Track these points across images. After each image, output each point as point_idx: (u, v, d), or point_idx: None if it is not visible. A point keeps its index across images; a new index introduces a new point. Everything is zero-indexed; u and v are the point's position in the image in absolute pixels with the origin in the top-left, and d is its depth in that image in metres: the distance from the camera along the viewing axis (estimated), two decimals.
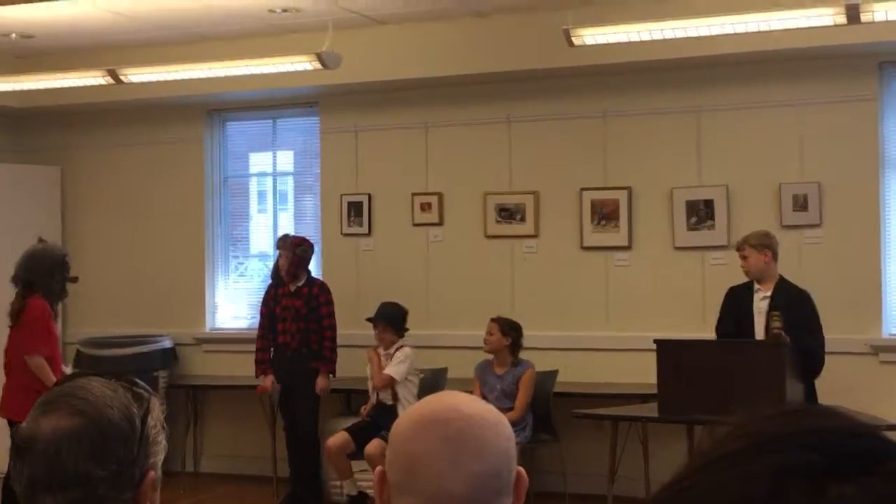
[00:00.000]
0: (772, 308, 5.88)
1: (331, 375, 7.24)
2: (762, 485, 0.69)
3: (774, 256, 6.09)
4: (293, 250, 7.24)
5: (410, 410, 1.64)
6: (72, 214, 9.07)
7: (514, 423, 6.47)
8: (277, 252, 7.36)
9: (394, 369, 6.82)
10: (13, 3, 5.94)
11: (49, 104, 8.48)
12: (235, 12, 7.09)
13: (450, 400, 1.63)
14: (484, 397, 6.60)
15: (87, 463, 1.59)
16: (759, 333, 5.96)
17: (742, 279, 6.26)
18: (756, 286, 6.10)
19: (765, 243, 6.08)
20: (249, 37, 7.66)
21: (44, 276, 6.07)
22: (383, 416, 6.81)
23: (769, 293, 6.03)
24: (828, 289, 6.81)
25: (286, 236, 7.44)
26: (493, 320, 6.74)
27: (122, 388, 1.70)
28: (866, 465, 0.70)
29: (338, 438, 6.73)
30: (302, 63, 6.88)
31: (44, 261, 6.11)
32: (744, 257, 6.09)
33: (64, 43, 7.91)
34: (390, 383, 6.82)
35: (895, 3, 5.61)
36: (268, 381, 7.30)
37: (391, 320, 6.91)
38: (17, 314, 6.08)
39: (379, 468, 1.60)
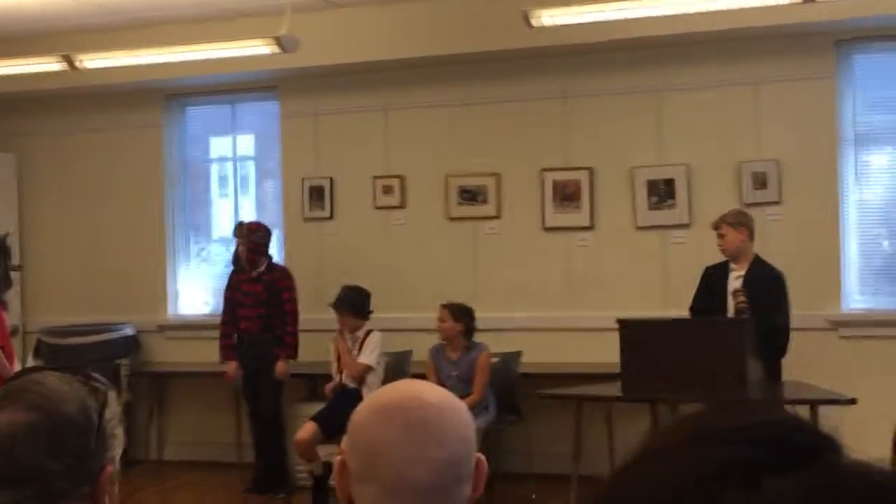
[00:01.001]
0: (743, 288, 5.92)
1: (291, 360, 7.22)
2: (699, 478, 0.70)
3: (751, 235, 6.12)
4: (249, 237, 7.22)
5: (370, 399, 1.63)
6: (29, 202, 8.97)
7: (473, 407, 6.51)
8: (235, 240, 7.32)
9: (368, 357, 6.79)
10: None
11: (3, 90, 8.36)
12: None
13: (410, 388, 1.63)
14: (440, 383, 6.61)
15: (43, 457, 1.58)
16: (731, 312, 6.00)
17: (705, 259, 6.30)
18: (731, 265, 6.13)
19: (742, 221, 6.10)
20: (207, 21, 7.59)
21: None
22: (347, 400, 6.79)
23: (744, 272, 6.06)
24: (788, 265, 6.83)
25: (241, 223, 7.41)
26: (443, 306, 6.70)
27: (78, 382, 1.69)
28: (803, 459, 0.70)
29: (305, 431, 6.65)
30: (260, 47, 6.82)
31: None
32: (721, 235, 6.10)
33: (18, 28, 7.80)
34: (366, 371, 6.79)
35: None
36: (231, 367, 7.27)
37: (352, 306, 6.88)
38: None
39: (339, 457, 1.59)
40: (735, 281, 6.07)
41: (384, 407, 1.57)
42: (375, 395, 1.65)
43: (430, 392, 1.61)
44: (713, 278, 6.18)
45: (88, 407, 1.65)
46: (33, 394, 1.64)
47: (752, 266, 6.09)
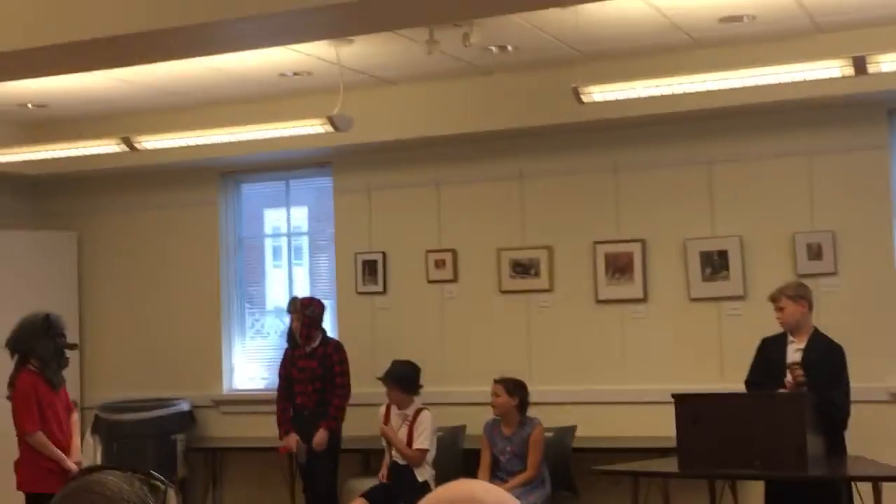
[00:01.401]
0: (807, 363, 5.85)
1: (333, 432, 7.19)
2: None
3: (810, 307, 6.07)
4: (303, 312, 7.27)
5: (426, 500, 1.63)
6: (88, 279, 9.12)
7: (529, 483, 6.47)
8: (290, 315, 7.37)
9: (421, 441, 6.76)
10: (27, 77, 6.02)
11: (64, 171, 8.57)
12: (246, 77, 7.17)
13: (465, 488, 1.63)
14: (495, 459, 6.58)
15: None
16: (789, 386, 5.92)
17: (760, 330, 6.23)
18: (790, 337, 6.07)
19: (801, 294, 6.06)
20: (261, 101, 7.73)
21: (27, 343, 6.08)
22: (400, 478, 6.79)
23: (803, 345, 6.00)
24: (846, 337, 6.75)
25: (295, 299, 7.47)
26: (496, 381, 6.68)
27: (138, 482, 1.71)
28: None
29: None
30: (314, 127, 6.93)
31: (23, 328, 6.14)
32: (780, 308, 6.05)
33: (77, 111, 8.01)
34: (424, 456, 6.77)
35: None
36: (292, 440, 7.25)
37: (399, 380, 6.87)
38: (11, 384, 6.13)
39: None
40: (795, 353, 5.99)
41: None
42: (431, 497, 1.65)
43: (485, 492, 1.61)
44: (770, 350, 6.11)
45: None
46: (95, 494, 1.66)
47: (811, 339, 6.02)
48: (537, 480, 6.56)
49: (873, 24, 6.29)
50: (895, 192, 6.98)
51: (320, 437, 7.14)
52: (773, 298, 6.10)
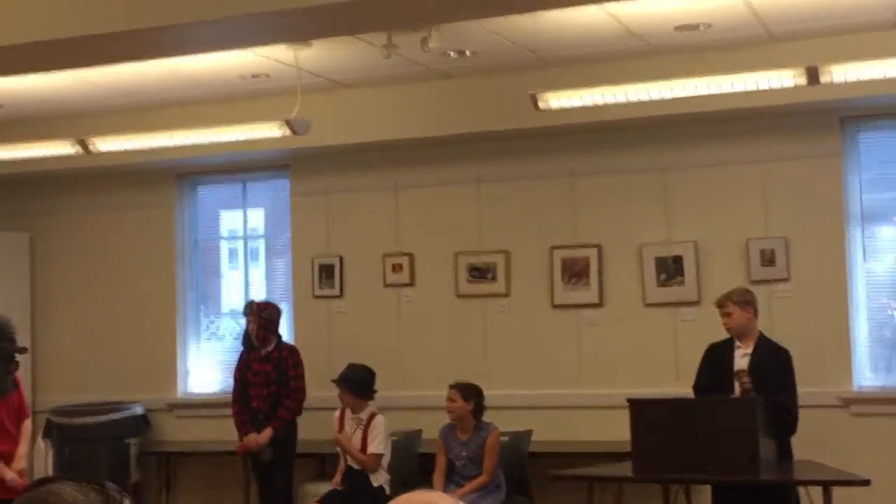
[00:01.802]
0: (755, 368, 5.91)
1: (275, 436, 7.15)
2: None
3: (755, 313, 6.13)
4: (260, 314, 7.24)
5: None
6: (41, 281, 9.02)
7: (484, 487, 6.49)
8: (246, 318, 7.34)
9: (375, 445, 6.74)
10: None
11: (18, 171, 8.46)
12: (203, 79, 7.13)
13: (424, 499, 1.64)
14: (451, 463, 6.59)
15: None
16: (738, 391, 5.98)
17: (714, 335, 6.29)
18: (737, 343, 6.12)
19: (747, 300, 6.12)
20: (218, 103, 7.69)
21: None
22: (355, 483, 6.77)
23: (750, 350, 6.06)
24: (798, 342, 6.84)
25: (251, 302, 7.44)
26: (451, 387, 6.67)
27: (93, 493, 1.70)
28: None
29: None
30: (271, 130, 6.91)
31: None
32: (727, 314, 6.10)
33: (32, 111, 7.91)
34: (379, 461, 6.75)
35: (852, 65, 5.72)
36: (252, 439, 7.18)
37: (352, 383, 6.84)
38: None
39: None
40: (742, 359, 6.06)
41: None
42: None
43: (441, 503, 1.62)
44: (718, 356, 6.17)
45: None
46: None
47: (758, 343, 6.09)
48: (492, 485, 6.58)
49: (826, 33, 6.38)
50: (847, 200, 7.08)
51: (265, 434, 7.10)
52: (720, 304, 6.16)
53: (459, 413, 6.61)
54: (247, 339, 7.33)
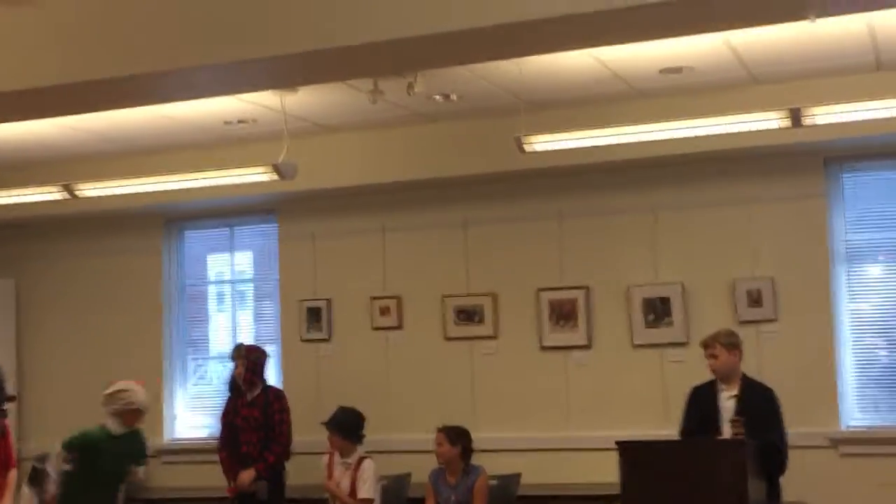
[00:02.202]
0: (739, 410, 5.89)
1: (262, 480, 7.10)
2: None
3: (741, 356, 6.12)
4: (248, 357, 7.23)
5: None
6: (27, 327, 8.99)
7: None
8: (234, 363, 7.30)
9: (366, 490, 6.71)
10: None
11: (3, 216, 8.44)
12: (191, 124, 7.15)
13: None
14: None
15: None
16: (727, 433, 5.96)
17: (703, 376, 6.28)
18: (721, 385, 6.10)
19: (734, 342, 6.09)
20: (205, 148, 7.71)
21: None
22: None
23: (735, 392, 6.04)
24: (786, 382, 6.84)
25: (240, 345, 7.42)
26: (439, 430, 6.65)
27: None
28: None
29: None
30: (258, 175, 6.93)
31: None
32: (713, 356, 6.07)
33: (18, 157, 7.91)
34: None
35: (835, 107, 5.77)
36: (246, 474, 7.09)
37: (340, 427, 6.83)
38: None
39: None
40: (727, 401, 6.04)
41: None
42: None
43: None
44: (702, 399, 6.14)
45: None
46: None
47: (743, 385, 6.07)
48: None
49: (809, 76, 6.45)
50: (832, 240, 7.12)
51: (243, 476, 7.04)
52: (706, 345, 6.13)
53: (447, 456, 6.59)
54: (234, 384, 7.30)
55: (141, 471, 6.52)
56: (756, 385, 6.08)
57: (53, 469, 6.24)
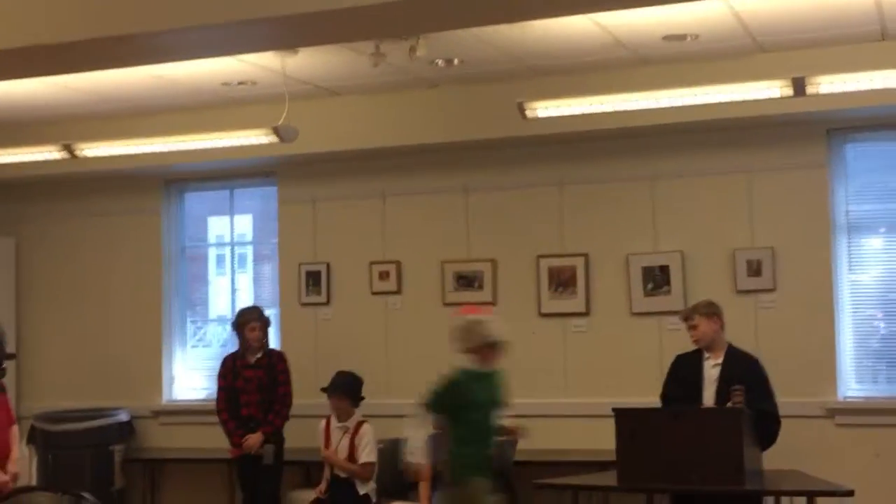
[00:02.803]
0: (726, 378, 5.91)
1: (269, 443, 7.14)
2: None
3: (722, 324, 6.15)
4: (262, 320, 7.27)
5: None
6: (27, 287, 8.99)
7: None
8: (249, 325, 7.25)
9: (367, 454, 6.76)
10: None
11: (3, 176, 8.43)
12: (191, 86, 7.12)
13: None
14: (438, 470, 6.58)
15: None
16: (709, 401, 5.99)
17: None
18: (706, 354, 6.13)
19: (714, 311, 6.14)
20: (205, 109, 7.68)
21: None
22: (341, 490, 6.77)
23: (720, 361, 6.07)
24: (783, 352, 6.88)
25: (256, 307, 7.44)
26: None
27: (68, 503, 1.69)
28: None
29: None
30: (258, 137, 6.91)
31: None
32: (693, 326, 6.13)
33: (18, 117, 7.88)
34: (372, 470, 6.76)
35: (839, 76, 5.73)
36: (254, 438, 7.12)
37: (346, 390, 6.88)
38: None
39: None
40: (712, 369, 6.07)
41: None
42: None
43: None
44: (686, 367, 6.18)
45: None
46: None
47: (728, 354, 6.10)
48: None
49: (813, 45, 6.40)
50: (833, 211, 7.10)
51: (251, 440, 7.07)
52: (686, 317, 6.19)
53: None
54: (243, 346, 7.27)
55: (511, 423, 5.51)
56: (740, 354, 6.11)
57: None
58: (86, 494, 1.54)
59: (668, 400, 6.18)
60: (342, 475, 6.78)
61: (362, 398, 6.97)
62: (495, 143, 7.52)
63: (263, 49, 5.93)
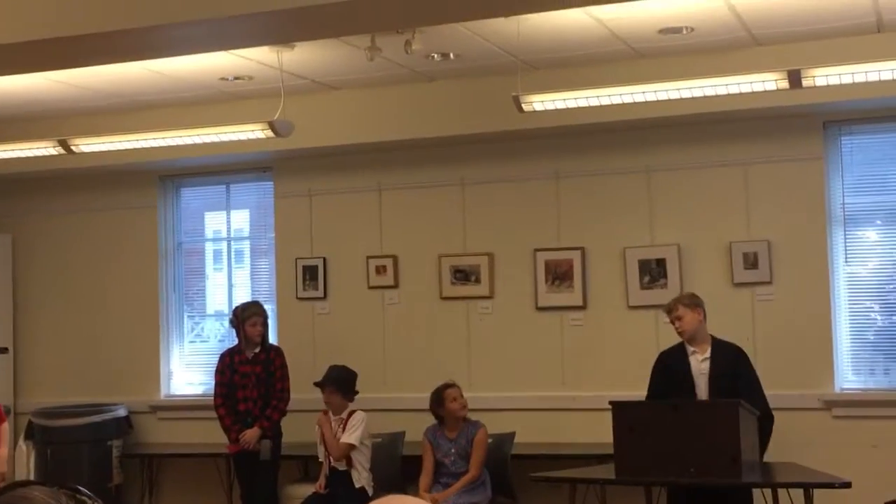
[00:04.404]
0: (717, 370, 5.93)
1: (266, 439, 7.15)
2: None
3: (705, 316, 6.15)
4: (263, 315, 7.28)
5: None
6: (23, 282, 8.98)
7: (472, 482, 6.54)
8: (250, 320, 7.24)
9: (350, 435, 6.79)
10: None
11: None
12: (187, 80, 7.11)
13: (397, 502, 1.63)
14: (438, 462, 6.62)
15: None
16: (703, 395, 6.00)
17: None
18: (690, 348, 6.13)
19: (696, 302, 6.14)
20: (202, 104, 7.67)
21: None
22: (338, 484, 6.78)
23: (707, 354, 6.07)
24: (780, 345, 6.90)
25: (257, 302, 7.43)
26: (455, 385, 6.76)
27: (64, 497, 1.68)
28: None
29: None
30: (254, 131, 6.90)
31: None
32: (677, 318, 6.11)
33: (14, 112, 7.88)
34: (349, 450, 6.78)
35: (835, 69, 5.73)
36: (251, 433, 7.12)
37: (338, 383, 6.88)
38: None
39: None
40: (702, 363, 6.07)
41: None
42: None
43: None
44: (672, 362, 6.18)
45: None
46: None
47: (714, 347, 6.10)
48: (479, 481, 6.62)
49: (809, 37, 6.41)
50: (829, 203, 7.10)
51: (248, 434, 7.07)
52: (669, 309, 6.17)
53: (465, 410, 6.67)
54: (242, 341, 7.26)
55: None
56: (725, 344, 6.13)
57: None
58: (82, 488, 1.54)
59: (657, 398, 6.16)
60: (340, 468, 6.80)
61: (356, 392, 6.96)
62: (491, 137, 7.52)
63: (259, 44, 5.92)
